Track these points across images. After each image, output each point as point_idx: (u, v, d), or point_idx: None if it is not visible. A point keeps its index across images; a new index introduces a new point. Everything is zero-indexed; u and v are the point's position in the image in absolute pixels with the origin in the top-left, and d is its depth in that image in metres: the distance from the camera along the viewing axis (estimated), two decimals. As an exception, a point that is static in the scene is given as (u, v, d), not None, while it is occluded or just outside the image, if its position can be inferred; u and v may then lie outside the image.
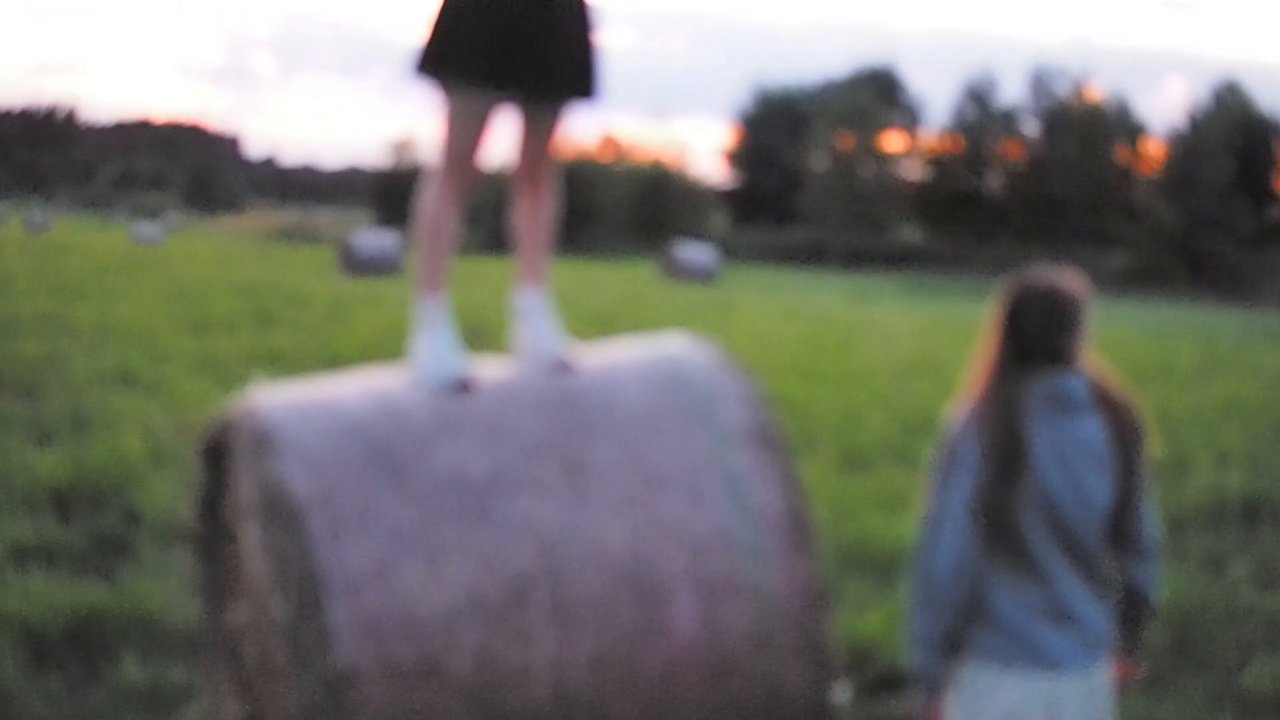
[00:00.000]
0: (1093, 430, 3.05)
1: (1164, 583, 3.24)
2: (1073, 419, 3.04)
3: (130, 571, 6.07)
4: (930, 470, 3.17)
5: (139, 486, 7.32)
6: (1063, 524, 3.02)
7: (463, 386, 3.49)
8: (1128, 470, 3.07)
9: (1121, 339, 19.38)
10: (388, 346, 12.69)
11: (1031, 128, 68.93)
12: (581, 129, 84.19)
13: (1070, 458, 3.02)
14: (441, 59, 3.62)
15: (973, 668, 3.10)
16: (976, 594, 3.06)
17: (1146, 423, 3.13)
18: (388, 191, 76.46)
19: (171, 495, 6.75)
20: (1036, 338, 3.07)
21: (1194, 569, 6.75)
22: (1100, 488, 3.04)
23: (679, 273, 37.62)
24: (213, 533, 3.69)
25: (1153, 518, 3.18)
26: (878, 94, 69.05)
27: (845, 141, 67.59)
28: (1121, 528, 3.11)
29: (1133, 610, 3.23)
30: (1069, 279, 3.14)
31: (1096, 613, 3.10)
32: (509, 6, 3.57)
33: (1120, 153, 66.88)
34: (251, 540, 3.29)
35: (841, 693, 3.65)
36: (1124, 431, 3.07)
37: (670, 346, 3.85)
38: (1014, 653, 3.05)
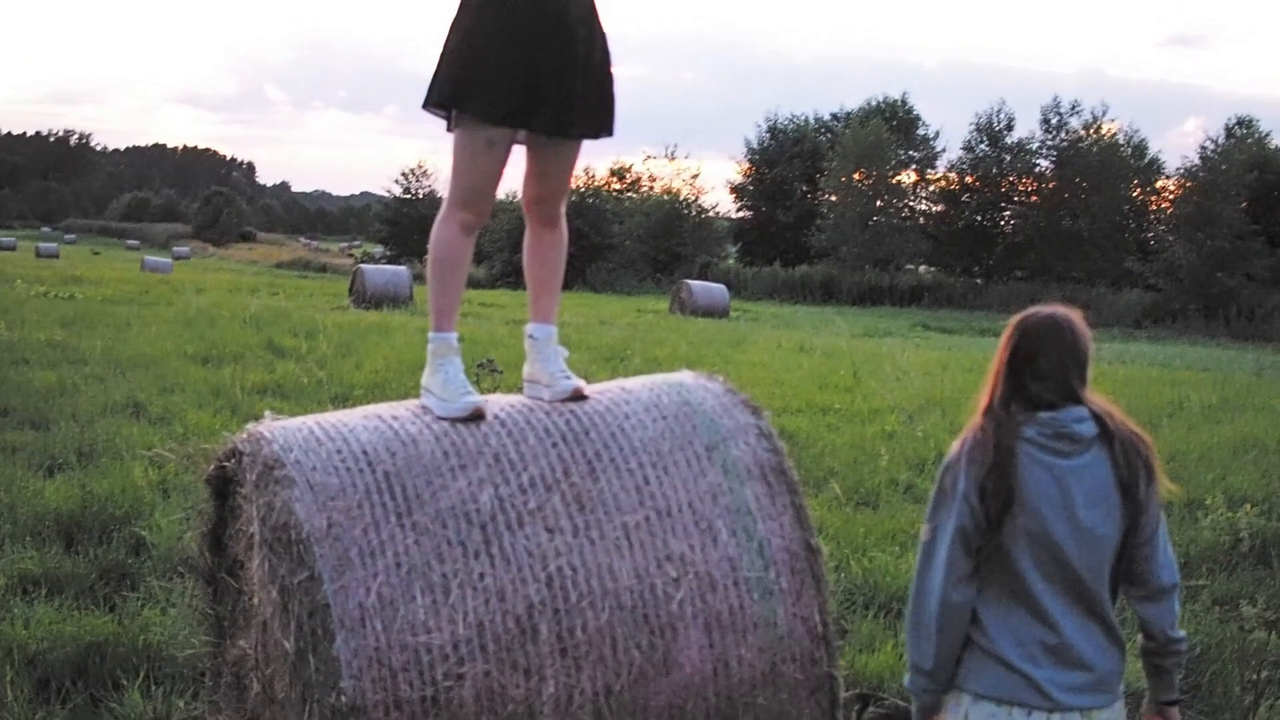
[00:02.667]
0: (1096, 467, 3.00)
1: (1181, 624, 3.14)
2: (1074, 455, 3.00)
3: (136, 602, 6.05)
4: (929, 500, 3.16)
5: (146, 517, 7.30)
6: (1062, 562, 2.98)
7: (472, 419, 3.48)
8: (1135, 508, 3.01)
9: (1135, 377, 19.34)
10: (398, 379, 12.71)
11: (1045, 163, 68.83)
12: (594, 162, 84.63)
13: (1070, 494, 2.98)
14: (456, 93, 3.61)
15: (970, 702, 3.08)
16: (970, 624, 3.05)
17: (1157, 459, 3.08)
18: (399, 223, 76.70)
19: (178, 526, 6.73)
20: (1037, 371, 3.05)
21: (1206, 609, 6.71)
22: (1103, 526, 2.99)
23: (691, 307, 37.63)
24: (219, 563, 3.67)
25: (1169, 558, 3.10)
26: (891, 128, 68.98)
27: (858, 177, 67.55)
28: (1130, 567, 3.06)
29: (1153, 654, 3.15)
30: (1069, 314, 3.12)
31: (1104, 654, 3.04)
32: (526, 40, 3.56)
33: (1134, 190, 66.73)
34: (257, 571, 3.27)
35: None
36: (1132, 468, 3.01)
37: (680, 380, 3.84)
38: (1010, 689, 3.02)
